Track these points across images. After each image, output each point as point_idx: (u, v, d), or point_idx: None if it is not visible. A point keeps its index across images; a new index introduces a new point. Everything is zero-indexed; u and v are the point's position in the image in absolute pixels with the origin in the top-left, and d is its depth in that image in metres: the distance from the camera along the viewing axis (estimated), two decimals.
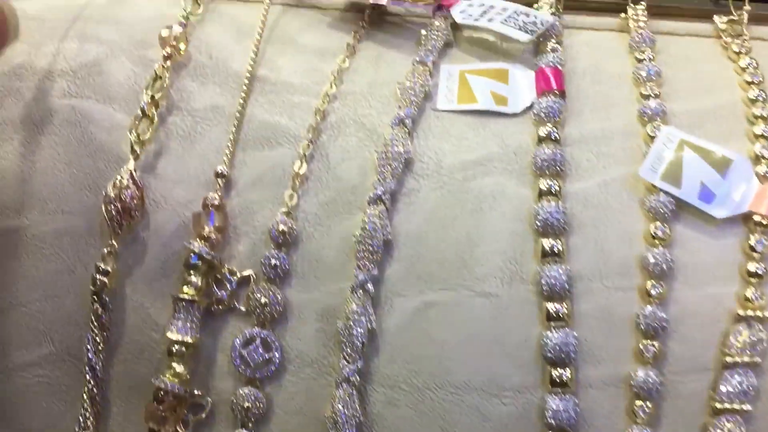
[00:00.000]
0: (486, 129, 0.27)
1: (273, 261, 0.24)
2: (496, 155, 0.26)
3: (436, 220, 0.25)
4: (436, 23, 0.29)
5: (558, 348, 0.24)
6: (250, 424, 0.24)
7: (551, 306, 0.24)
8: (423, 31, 0.29)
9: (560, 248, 0.24)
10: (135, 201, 0.24)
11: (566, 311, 0.24)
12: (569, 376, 0.24)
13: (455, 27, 0.29)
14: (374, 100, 0.27)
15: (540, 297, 0.24)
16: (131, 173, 0.24)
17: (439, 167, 0.26)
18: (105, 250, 0.24)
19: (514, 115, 0.27)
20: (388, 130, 0.26)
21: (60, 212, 0.25)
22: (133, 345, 0.24)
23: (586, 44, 0.29)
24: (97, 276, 0.24)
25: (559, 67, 0.27)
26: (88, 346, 0.24)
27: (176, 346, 0.24)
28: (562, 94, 0.27)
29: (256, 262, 0.25)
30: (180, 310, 0.24)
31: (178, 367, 0.24)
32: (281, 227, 0.24)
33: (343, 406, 0.24)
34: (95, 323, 0.24)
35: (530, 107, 0.27)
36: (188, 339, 0.24)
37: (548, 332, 0.24)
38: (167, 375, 0.23)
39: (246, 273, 0.25)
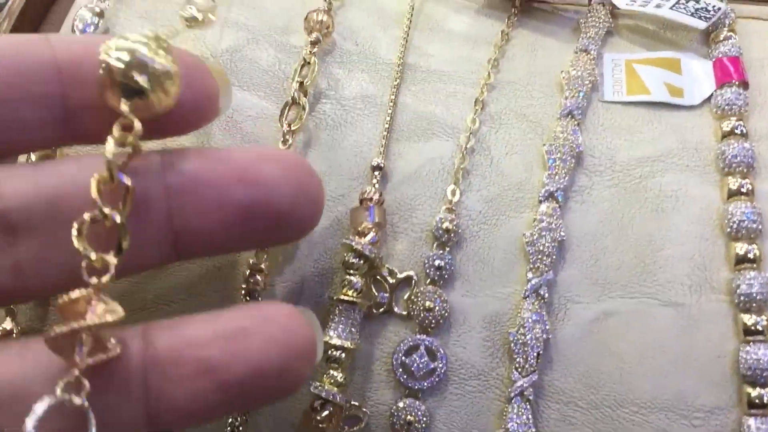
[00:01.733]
0: (661, 122, 0.24)
1: (437, 261, 0.22)
2: (675, 150, 0.24)
3: (613, 220, 0.23)
4: (595, 10, 0.27)
5: (757, 365, 0.21)
6: None
7: (748, 318, 0.22)
8: (582, 19, 0.27)
9: (756, 253, 0.22)
10: None
11: (766, 323, 0.22)
12: None
13: (612, 15, 0.27)
14: (535, 90, 0.25)
15: (734, 308, 0.22)
16: None
17: (612, 163, 0.24)
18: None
19: (691, 107, 0.25)
20: (554, 122, 0.24)
21: None
22: None
23: (757, 33, 0.27)
24: (250, 274, 0.22)
25: (739, 56, 0.25)
26: None
27: (335, 352, 0.22)
28: (745, 85, 0.25)
29: (416, 263, 0.23)
30: (339, 314, 0.22)
31: (337, 375, 0.22)
32: (445, 225, 0.22)
33: (516, 424, 0.21)
34: None
35: (708, 99, 0.25)
36: (348, 344, 0.22)
37: (745, 347, 0.21)
38: (325, 382, 0.21)
39: (407, 274, 0.23)
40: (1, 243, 0.16)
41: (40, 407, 0.15)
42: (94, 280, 0.16)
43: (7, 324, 0.23)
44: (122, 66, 0.16)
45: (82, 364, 0.15)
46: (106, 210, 0.16)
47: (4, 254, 0.16)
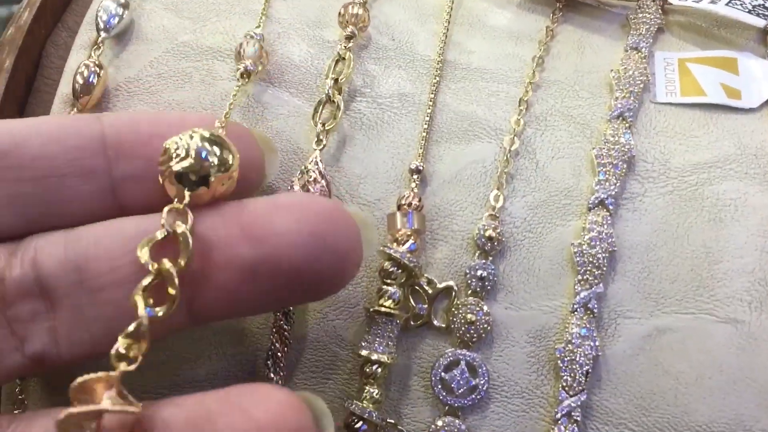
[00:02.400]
0: (718, 126, 0.23)
1: (480, 272, 0.21)
2: (733, 156, 0.22)
3: (667, 230, 0.21)
4: (645, 6, 0.25)
5: None
6: None
7: None
8: (631, 15, 0.25)
9: None
10: (323, 196, 0.21)
11: None
12: None
13: (662, 11, 0.26)
14: (582, 90, 0.24)
15: None
16: (318, 164, 0.21)
17: (666, 169, 0.22)
18: None
19: (750, 110, 0.23)
20: (604, 125, 0.23)
21: None
22: (316, 363, 0.21)
23: None
24: None
25: None
26: (269, 363, 0.21)
27: (371, 367, 0.20)
28: None
29: (457, 272, 0.22)
30: (376, 326, 0.21)
31: (374, 391, 0.20)
32: (489, 232, 0.21)
33: None
34: (276, 337, 0.21)
35: (767, 102, 0.23)
36: (385, 359, 0.20)
37: None
38: (363, 400, 0.20)
39: (447, 284, 0.21)
40: (40, 308, 0.17)
41: None
42: (122, 365, 0.15)
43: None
44: (184, 167, 0.17)
45: None
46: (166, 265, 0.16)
47: (42, 319, 0.17)
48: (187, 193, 0.17)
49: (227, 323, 0.21)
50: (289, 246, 0.16)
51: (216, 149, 0.17)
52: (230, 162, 0.17)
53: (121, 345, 0.15)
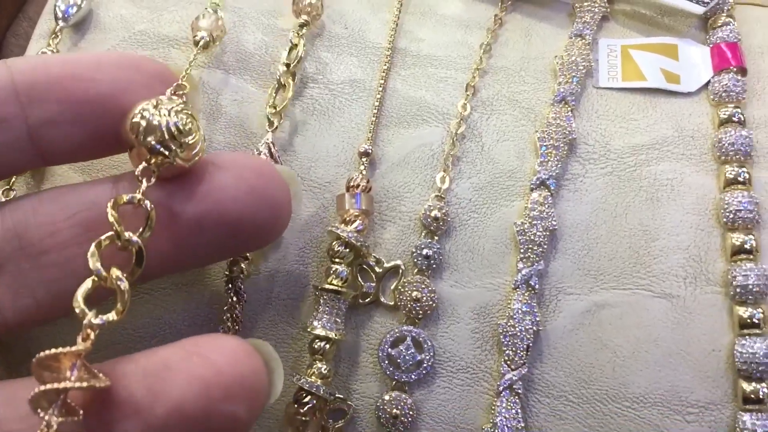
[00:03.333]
0: (656, 109, 0.24)
1: (426, 251, 0.22)
2: (670, 139, 0.23)
3: (607, 209, 0.22)
4: None
5: (753, 359, 0.21)
6: None
7: (744, 311, 0.21)
8: (577, 4, 0.26)
9: (753, 244, 0.21)
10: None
11: (762, 316, 0.21)
12: (767, 392, 0.21)
13: (608, 0, 0.26)
14: (528, 76, 0.24)
15: (730, 300, 0.21)
16: (270, 147, 0.22)
17: (606, 150, 0.23)
18: None
19: (688, 94, 0.24)
20: (547, 109, 0.23)
21: None
22: (267, 341, 0.22)
23: (757, 20, 0.26)
24: (233, 262, 0.21)
25: (737, 42, 0.24)
26: None
27: (320, 343, 0.21)
28: (743, 72, 0.24)
29: (404, 252, 0.22)
30: (324, 303, 0.21)
31: (322, 366, 0.21)
32: (434, 213, 0.22)
33: (505, 418, 0.21)
34: (228, 315, 0.21)
35: (705, 86, 0.24)
36: (333, 335, 0.21)
37: (741, 341, 0.21)
38: (309, 374, 0.21)
39: (395, 263, 0.22)
40: None
41: None
42: (81, 343, 0.15)
43: None
44: (149, 138, 0.17)
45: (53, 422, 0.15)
46: (126, 234, 0.16)
47: None
48: (153, 161, 0.17)
49: (181, 303, 0.22)
50: (230, 200, 0.17)
51: (182, 119, 0.17)
52: (194, 135, 0.17)
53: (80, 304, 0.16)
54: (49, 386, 0.15)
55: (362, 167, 0.22)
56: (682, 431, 0.21)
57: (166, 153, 0.17)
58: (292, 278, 0.22)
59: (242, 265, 0.21)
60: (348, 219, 0.22)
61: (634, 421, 0.21)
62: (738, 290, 0.21)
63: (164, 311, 0.22)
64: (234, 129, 0.23)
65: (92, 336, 0.15)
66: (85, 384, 0.15)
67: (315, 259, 0.22)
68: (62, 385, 0.15)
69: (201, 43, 0.22)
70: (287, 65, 0.23)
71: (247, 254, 0.21)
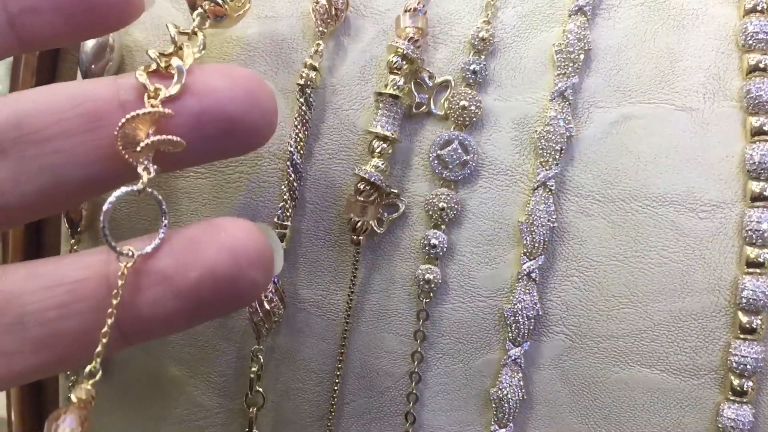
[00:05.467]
0: None
1: (473, 66, 0.25)
2: None
3: (637, 35, 0.25)
4: None
5: (761, 162, 0.23)
6: (443, 226, 0.25)
7: (755, 120, 0.24)
8: None
9: (767, 64, 0.24)
10: (342, 0, 0.25)
11: None
12: None
13: None
14: None
15: (744, 112, 0.24)
16: None
17: None
18: (313, 49, 0.25)
19: None
20: None
21: (264, 17, 0.26)
22: (332, 145, 0.25)
23: None
24: (305, 71, 0.24)
25: None
26: (291, 142, 0.25)
27: (377, 141, 0.24)
28: None
29: (454, 71, 0.25)
30: (383, 107, 0.24)
31: (379, 161, 0.24)
32: (482, 34, 0.25)
33: (538, 211, 0.24)
34: (298, 119, 0.25)
35: None
36: (389, 134, 0.24)
37: (752, 146, 0.24)
38: (370, 167, 0.24)
39: (446, 78, 0.25)
40: None
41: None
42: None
43: None
44: None
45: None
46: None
47: None
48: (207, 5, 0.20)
49: None
50: (226, 99, 0.19)
51: None
52: None
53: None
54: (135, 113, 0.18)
55: None
56: (695, 227, 0.24)
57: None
58: (354, 92, 0.25)
59: (312, 75, 0.24)
60: (405, 36, 0.24)
61: (653, 217, 0.24)
62: (751, 101, 0.24)
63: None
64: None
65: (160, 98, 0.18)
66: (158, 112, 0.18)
67: (375, 76, 0.25)
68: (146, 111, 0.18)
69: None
70: None
71: (316, 64, 0.24)
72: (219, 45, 0.26)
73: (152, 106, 0.18)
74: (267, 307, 0.24)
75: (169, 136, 0.18)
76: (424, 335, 0.25)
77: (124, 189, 0.18)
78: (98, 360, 0.18)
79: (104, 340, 0.18)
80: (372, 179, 0.24)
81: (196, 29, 0.21)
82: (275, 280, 0.24)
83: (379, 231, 0.25)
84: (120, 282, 0.18)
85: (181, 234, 0.19)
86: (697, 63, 0.24)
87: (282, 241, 0.25)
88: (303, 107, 0.25)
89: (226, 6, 0.21)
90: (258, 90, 0.19)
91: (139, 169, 0.18)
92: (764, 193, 0.23)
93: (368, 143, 0.24)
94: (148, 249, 0.18)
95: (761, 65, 0.24)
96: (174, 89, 0.18)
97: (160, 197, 0.19)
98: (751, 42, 0.24)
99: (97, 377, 0.18)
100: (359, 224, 0.24)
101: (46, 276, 0.18)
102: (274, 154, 0.25)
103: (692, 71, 0.24)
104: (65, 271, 0.18)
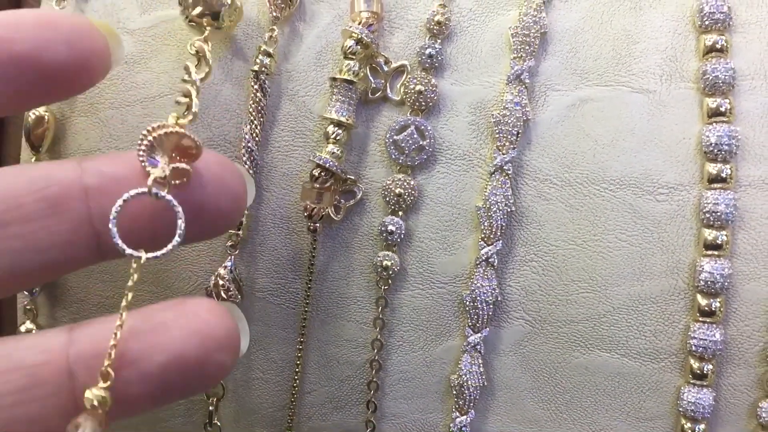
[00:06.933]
0: None
1: (428, 50, 0.24)
2: None
3: (594, 17, 0.25)
4: None
5: (718, 144, 0.23)
6: (400, 212, 0.24)
7: (711, 102, 0.24)
8: None
9: (724, 44, 0.24)
10: None
11: (729, 107, 0.23)
12: (729, 173, 0.23)
13: None
14: None
15: (700, 94, 0.24)
16: None
17: None
18: (267, 35, 0.24)
19: None
20: None
21: None
22: (288, 131, 0.25)
23: None
24: (260, 57, 0.24)
25: None
26: (246, 129, 0.24)
27: (332, 127, 0.24)
28: None
29: (410, 55, 0.25)
30: (338, 93, 0.24)
31: (334, 147, 0.24)
32: (437, 18, 0.24)
33: (495, 195, 0.24)
34: (253, 106, 0.24)
35: None
36: (344, 119, 0.24)
37: (708, 127, 0.23)
38: (325, 153, 0.24)
39: (401, 63, 0.25)
40: None
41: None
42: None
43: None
44: None
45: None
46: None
47: None
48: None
49: (212, 108, 0.25)
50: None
51: None
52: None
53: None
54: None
55: None
56: (653, 210, 0.24)
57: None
58: (309, 78, 0.25)
59: (267, 61, 0.24)
60: (360, 20, 0.24)
61: (611, 201, 0.24)
62: (707, 84, 0.23)
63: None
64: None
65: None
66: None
67: (331, 61, 0.25)
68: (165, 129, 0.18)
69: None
70: None
71: (271, 51, 0.24)
72: (175, 31, 0.25)
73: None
74: (224, 296, 0.24)
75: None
76: (384, 322, 0.25)
77: (132, 192, 0.18)
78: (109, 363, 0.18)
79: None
80: (327, 165, 0.24)
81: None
82: (231, 269, 0.24)
83: (336, 218, 0.24)
84: (129, 282, 0.18)
85: (149, 315, 0.18)
86: (654, 45, 0.24)
87: (239, 230, 0.24)
88: (258, 94, 0.24)
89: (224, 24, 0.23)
90: (227, 175, 0.20)
91: (149, 168, 0.18)
92: (721, 174, 0.23)
93: (324, 129, 0.24)
94: (158, 254, 0.18)
95: (717, 46, 0.24)
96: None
97: (170, 197, 0.18)
98: (707, 22, 0.24)
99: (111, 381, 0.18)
100: (315, 211, 0.24)
101: (3, 358, 0.18)
102: (230, 142, 0.25)
103: (649, 53, 0.24)
104: (23, 353, 0.18)
